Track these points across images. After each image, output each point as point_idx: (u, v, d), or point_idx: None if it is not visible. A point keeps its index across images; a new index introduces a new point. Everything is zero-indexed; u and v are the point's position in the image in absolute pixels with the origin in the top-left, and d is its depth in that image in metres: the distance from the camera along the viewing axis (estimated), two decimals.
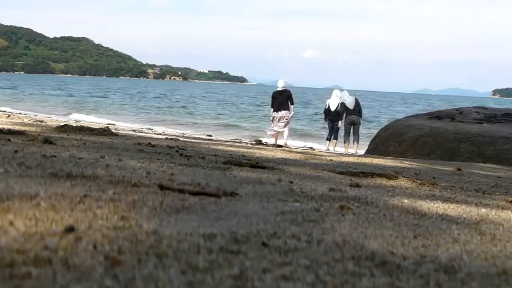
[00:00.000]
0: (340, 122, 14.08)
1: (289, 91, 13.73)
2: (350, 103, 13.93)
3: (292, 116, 14.14)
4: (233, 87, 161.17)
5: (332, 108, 14.02)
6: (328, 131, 14.55)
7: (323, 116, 14.70)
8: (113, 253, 1.35)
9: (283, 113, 13.52)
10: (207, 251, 1.45)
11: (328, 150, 13.11)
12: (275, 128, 13.82)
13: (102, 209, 1.87)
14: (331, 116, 14.12)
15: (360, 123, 14.38)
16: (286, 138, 13.90)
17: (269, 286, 1.24)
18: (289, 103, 13.62)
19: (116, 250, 1.38)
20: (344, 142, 14.19)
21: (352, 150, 13.77)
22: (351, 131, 14.18)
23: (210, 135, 16.58)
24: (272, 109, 13.84)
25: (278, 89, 13.83)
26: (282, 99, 13.57)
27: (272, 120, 13.88)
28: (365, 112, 16.32)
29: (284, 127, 13.72)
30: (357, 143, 14.13)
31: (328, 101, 14.21)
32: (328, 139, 14.36)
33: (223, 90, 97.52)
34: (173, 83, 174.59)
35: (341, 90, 14.20)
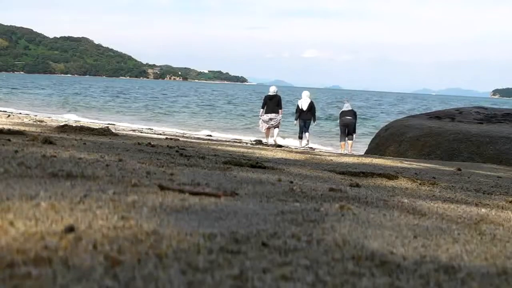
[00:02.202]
0: (312, 121, 15.15)
1: (278, 96, 15.08)
2: (346, 107, 15.05)
3: (280, 118, 15.38)
4: (228, 86, 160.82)
5: (304, 108, 15.01)
6: (299, 129, 15.37)
7: (295, 116, 15.60)
8: (113, 253, 1.35)
9: (272, 115, 14.92)
10: (207, 251, 1.45)
11: (302, 147, 13.81)
12: (265, 126, 15.21)
13: (102, 209, 1.86)
14: (304, 116, 15.08)
15: (353, 126, 15.13)
16: (276, 136, 15.13)
17: (269, 286, 1.23)
18: (278, 107, 15.01)
19: (116, 250, 1.38)
20: (340, 141, 15.04)
21: (348, 148, 14.58)
22: (346, 131, 14.93)
23: (210, 135, 16.61)
24: (263, 110, 15.20)
25: (270, 94, 15.09)
26: (272, 103, 14.97)
27: (262, 121, 15.28)
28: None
29: (274, 127, 15.05)
30: (351, 141, 14.90)
31: (299, 102, 15.22)
32: (300, 137, 15.22)
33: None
34: (170, 83, 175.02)
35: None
